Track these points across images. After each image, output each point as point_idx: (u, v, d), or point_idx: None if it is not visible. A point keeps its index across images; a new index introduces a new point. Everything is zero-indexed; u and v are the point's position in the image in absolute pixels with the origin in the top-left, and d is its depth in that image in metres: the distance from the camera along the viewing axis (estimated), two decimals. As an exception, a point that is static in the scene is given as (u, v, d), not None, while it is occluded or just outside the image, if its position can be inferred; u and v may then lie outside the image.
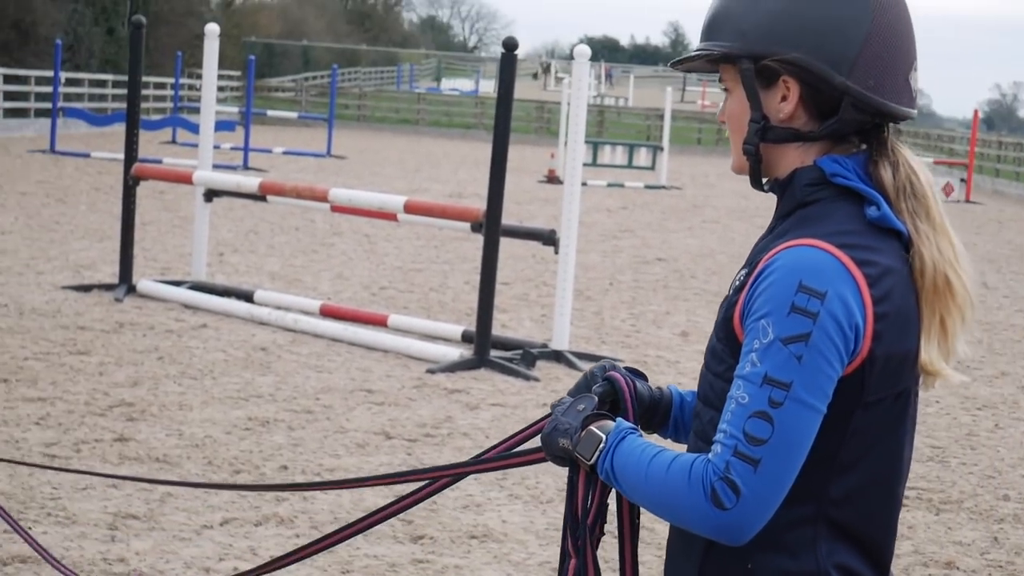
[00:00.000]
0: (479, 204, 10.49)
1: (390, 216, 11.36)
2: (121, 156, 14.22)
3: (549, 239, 10.50)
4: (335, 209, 11.76)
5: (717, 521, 2.04)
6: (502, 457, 2.47)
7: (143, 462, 7.13)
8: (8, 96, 38.80)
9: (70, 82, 42.06)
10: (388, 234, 18.35)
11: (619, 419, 2.24)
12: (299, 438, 7.80)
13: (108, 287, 12.28)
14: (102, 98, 45.43)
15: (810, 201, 2.19)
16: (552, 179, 30.46)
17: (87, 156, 29.41)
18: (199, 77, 55.20)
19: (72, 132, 37.39)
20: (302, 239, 17.54)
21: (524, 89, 78.56)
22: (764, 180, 2.30)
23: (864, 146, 2.25)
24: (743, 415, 2.05)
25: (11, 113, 39.09)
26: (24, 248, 14.80)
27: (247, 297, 11.94)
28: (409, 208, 10.70)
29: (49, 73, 36.50)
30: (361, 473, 7.19)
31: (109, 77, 44.71)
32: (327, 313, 11.38)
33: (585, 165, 35.79)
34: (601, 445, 2.18)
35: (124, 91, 40.77)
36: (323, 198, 11.26)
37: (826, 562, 2.14)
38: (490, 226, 10.07)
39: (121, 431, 7.66)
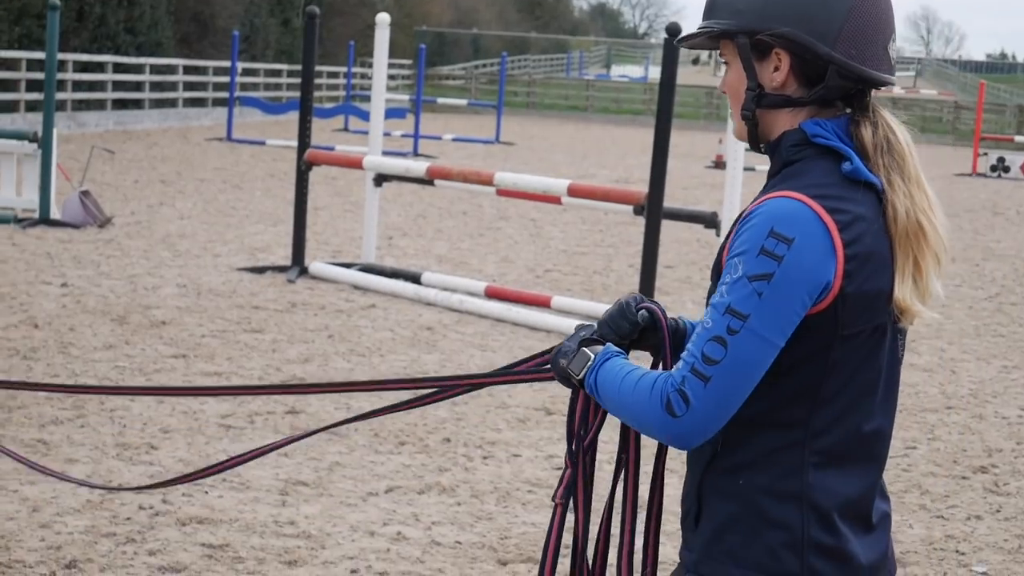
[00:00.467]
0: (645, 189, 10.60)
1: (554, 199, 11.56)
2: (295, 143, 14.69)
3: (711, 222, 10.59)
4: (500, 193, 11.99)
5: (668, 427, 2.32)
6: (514, 373, 2.79)
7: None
8: (188, 86, 39.98)
9: (246, 72, 43.14)
10: (554, 219, 18.57)
11: (608, 344, 2.51)
12: (462, 412, 8.04)
13: (281, 269, 12.71)
14: (277, 87, 46.52)
15: (794, 160, 2.45)
16: (720, 165, 30.32)
17: (262, 144, 30.18)
18: (371, 66, 55.80)
19: (248, 120, 38.40)
20: (469, 223, 17.84)
21: (693, 75, 78.20)
22: (760, 144, 2.54)
23: (848, 110, 2.49)
24: (705, 338, 2.31)
25: (190, 103, 40.27)
26: (202, 232, 15.35)
27: (414, 279, 12.23)
28: (572, 191, 10.87)
29: (226, 63, 37.51)
30: (521, 448, 7.39)
31: (284, 67, 45.71)
32: (492, 294, 11.61)
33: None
34: (589, 363, 2.47)
35: (298, 80, 41.81)
36: (488, 182, 11.50)
37: (811, 486, 2.38)
38: (651, 209, 10.19)
39: (292, 404, 7.98)
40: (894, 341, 2.47)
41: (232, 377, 8.58)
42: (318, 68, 50.82)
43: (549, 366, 2.60)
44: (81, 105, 33.92)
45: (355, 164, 12.98)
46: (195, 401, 7.96)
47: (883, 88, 2.51)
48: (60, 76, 31.51)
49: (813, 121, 2.46)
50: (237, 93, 34.07)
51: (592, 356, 2.48)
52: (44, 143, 15.08)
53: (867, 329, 2.39)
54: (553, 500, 2.66)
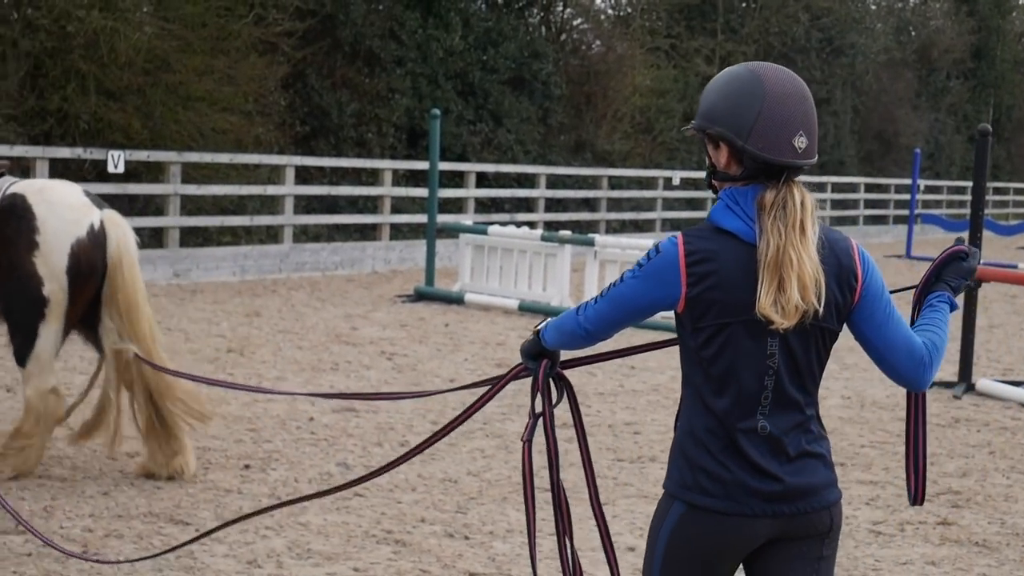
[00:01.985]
0: None
1: None
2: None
3: None
4: None
5: (574, 322, 3.85)
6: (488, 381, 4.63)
7: (962, 544, 7.44)
8: (868, 204, 40.37)
9: (929, 189, 42.94)
10: None
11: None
12: (1124, 537, 7.73)
13: (947, 384, 12.65)
14: (960, 204, 45.87)
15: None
16: None
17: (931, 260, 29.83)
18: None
19: (928, 237, 38.11)
20: None
21: None
22: None
23: (772, 181, 3.61)
24: (608, 285, 3.78)
25: (871, 220, 40.60)
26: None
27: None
28: None
29: (907, 181, 37.54)
30: None
31: (968, 184, 45.05)
32: None
33: None
34: (540, 324, 4.12)
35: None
36: None
37: (697, 424, 3.64)
38: None
39: (945, 516, 8.01)
40: (760, 341, 3.57)
41: (887, 487, 8.72)
42: (1006, 184, 49.72)
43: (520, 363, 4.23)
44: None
45: (1021, 280, 12.73)
46: (848, 507, 8.16)
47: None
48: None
49: (725, 190, 3.67)
50: (918, 211, 34.00)
51: (545, 319, 4.13)
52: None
53: (713, 325, 3.58)
54: (521, 440, 4.19)
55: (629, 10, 35.99)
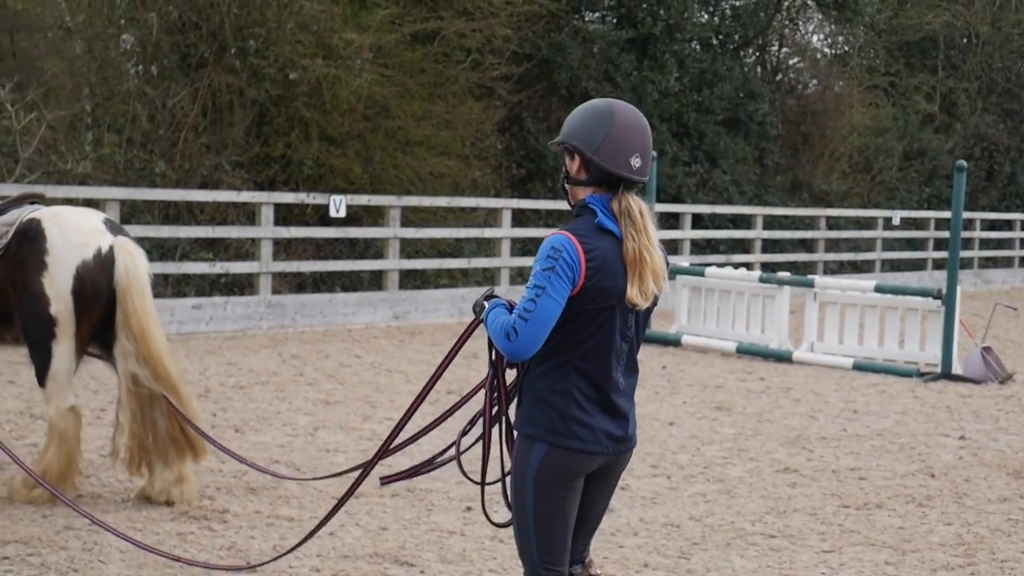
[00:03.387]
0: None
1: None
2: None
3: None
4: None
5: (506, 346, 4.58)
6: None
7: None
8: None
9: None
10: None
11: (498, 299, 4.81)
12: None
13: None
14: None
15: (578, 214, 4.72)
16: None
17: None
18: None
19: None
20: None
21: None
22: (572, 204, 4.82)
23: (613, 191, 4.70)
24: (525, 299, 4.54)
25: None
26: (1107, 391, 14.92)
27: None
28: None
29: None
30: None
31: None
32: None
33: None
34: (485, 309, 4.80)
35: None
36: None
37: (570, 383, 4.64)
38: None
39: None
40: (624, 317, 4.66)
41: None
42: None
43: (474, 315, 4.94)
44: (988, 262, 34.20)
45: None
46: (1088, 560, 7.83)
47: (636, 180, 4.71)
48: (967, 234, 32.08)
49: (591, 196, 4.70)
50: None
51: (486, 306, 4.81)
52: (948, 300, 15.47)
53: (599, 307, 4.58)
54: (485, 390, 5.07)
55: (846, 48, 35.45)
